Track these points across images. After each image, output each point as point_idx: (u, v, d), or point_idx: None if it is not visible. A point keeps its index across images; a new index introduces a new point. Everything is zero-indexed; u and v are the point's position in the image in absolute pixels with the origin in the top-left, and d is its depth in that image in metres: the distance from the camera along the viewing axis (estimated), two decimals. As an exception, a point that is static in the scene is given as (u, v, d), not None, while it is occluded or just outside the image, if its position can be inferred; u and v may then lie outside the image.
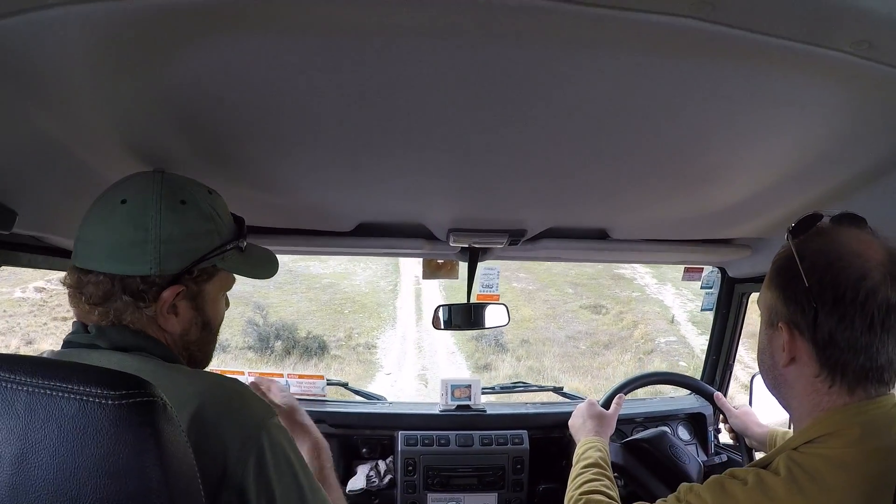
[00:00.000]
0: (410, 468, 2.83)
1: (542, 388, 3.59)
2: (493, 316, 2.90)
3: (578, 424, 2.21)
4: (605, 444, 2.02)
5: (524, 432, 2.92)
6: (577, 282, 27.73)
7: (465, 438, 2.87)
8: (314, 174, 1.65)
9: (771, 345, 1.26)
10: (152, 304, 1.25)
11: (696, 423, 3.11)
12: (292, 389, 3.10)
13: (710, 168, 1.57)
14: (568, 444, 2.90)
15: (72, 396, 0.85)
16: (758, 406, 2.51)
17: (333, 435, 2.92)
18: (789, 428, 2.21)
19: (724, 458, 2.87)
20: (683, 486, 1.30)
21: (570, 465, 2.06)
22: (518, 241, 2.31)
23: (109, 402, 0.84)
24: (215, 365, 1.47)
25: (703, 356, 3.28)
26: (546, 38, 0.99)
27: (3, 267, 1.72)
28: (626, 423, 3.02)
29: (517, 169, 1.59)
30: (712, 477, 1.24)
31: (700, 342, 20.52)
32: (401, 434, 2.88)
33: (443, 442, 2.86)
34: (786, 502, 1.09)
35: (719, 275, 3.12)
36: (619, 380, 2.68)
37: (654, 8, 0.88)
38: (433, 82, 1.13)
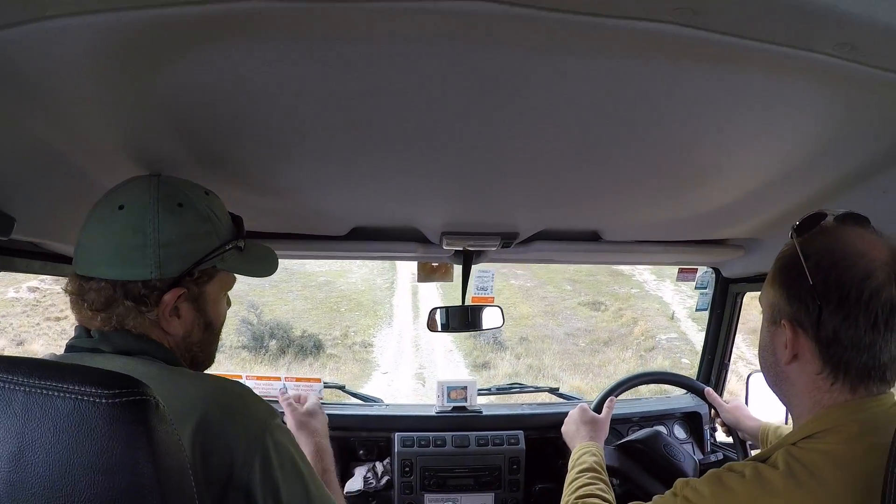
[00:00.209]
0: (407, 469, 2.85)
1: (538, 389, 3.63)
2: (488, 318, 2.91)
3: (572, 431, 2.23)
4: (600, 449, 2.04)
5: (520, 433, 2.94)
6: (576, 278, 27.51)
7: (461, 439, 2.90)
8: (308, 179, 1.69)
9: (773, 342, 1.27)
10: (154, 307, 1.26)
11: (693, 422, 3.13)
12: (290, 392, 3.12)
13: (700, 170, 1.60)
14: (564, 445, 2.97)
15: (67, 396, 0.87)
16: (754, 405, 2.54)
17: (331, 437, 2.91)
18: (786, 424, 2.26)
19: (721, 456, 2.89)
20: (679, 481, 1.31)
21: (566, 465, 2.09)
22: (511, 243, 2.34)
23: (103, 400, 0.86)
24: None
25: None
26: (532, 44, 1.01)
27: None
28: (622, 423, 3.04)
29: (508, 172, 1.61)
30: (710, 471, 1.25)
31: (701, 338, 19.51)
32: (397, 436, 2.90)
33: (439, 443, 2.89)
34: (783, 496, 1.09)
35: (713, 275, 3.14)
36: (619, 377, 2.69)
37: (636, 14, 0.90)
38: (423, 88, 1.16)
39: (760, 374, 2.61)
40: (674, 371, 3.15)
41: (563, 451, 2.62)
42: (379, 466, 2.96)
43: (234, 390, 1.23)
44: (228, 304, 1.50)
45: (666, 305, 24.69)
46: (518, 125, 1.31)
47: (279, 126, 1.34)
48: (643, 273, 27.58)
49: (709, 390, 2.53)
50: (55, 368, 0.93)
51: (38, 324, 20.06)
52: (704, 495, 1.20)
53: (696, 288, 3.22)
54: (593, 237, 2.40)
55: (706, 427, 3.04)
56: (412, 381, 18.62)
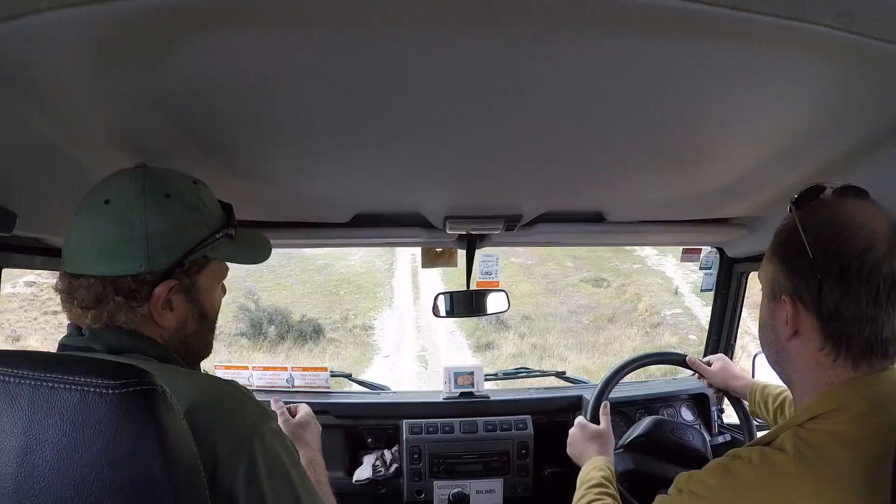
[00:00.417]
0: (416, 456, 2.88)
1: (544, 374, 3.63)
2: (494, 302, 2.92)
3: (579, 452, 2.17)
4: (608, 462, 2.01)
5: (528, 417, 2.97)
6: (577, 255, 27.26)
7: (469, 425, 2.92)
8: (308, 166, 1.69)
9: (774, 318, 1.26)
10: (145, 302, 1.26)
11: (699, 404, 3.14)
12: (296, 382, 3.16)
13: (702, 147, 1.60)
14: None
15: (73, 388, 0.88)
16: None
17: (338, 426, 2.98)
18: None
19: (728, 437, 2.92)
20: (681, 475, 1.30)
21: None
22: (514, 226, 2.35)
23: (110, 391, 0.87)
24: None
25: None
26: (531, 24, 1.01)
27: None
28: (629, 406, 3.07)
29: (511, 154, 1.61)
30: (713, 461, 1.24)
31: (706, 313, 19.27)
32: (405, 423, 2.93)
33: (447, 429, 2.92)
34: (796, 479, 1.08)
35: (718, 255, 3.14)
36: (625, 357, 2.68)
37: None
38: (422, 70, 1.16)
39: None
40: (682, 348, 3.13)
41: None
42: (387, 454, 2.99)
43: (225, 390, 1.22)
44: (224, 292, 1.50)
45: (669, 281, 24.51)
46: (519, 106, 1.31)
47: (278, 113, 1.35)
48: (644, 248, 27.37)
49: (690, 357, 2.53)
50: (60, 361, 0.96)
51: (34, 318, 19.95)
52: (712, 486, 1.20)
53: (700, 268, 3.25)
54: (597, 218, 2.40)
55: (713, 408, 3.05)
56: (415, 364, 18.47)
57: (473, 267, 2.74)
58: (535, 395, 3.19)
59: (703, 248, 3.19)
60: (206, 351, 1.46)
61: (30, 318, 19.90)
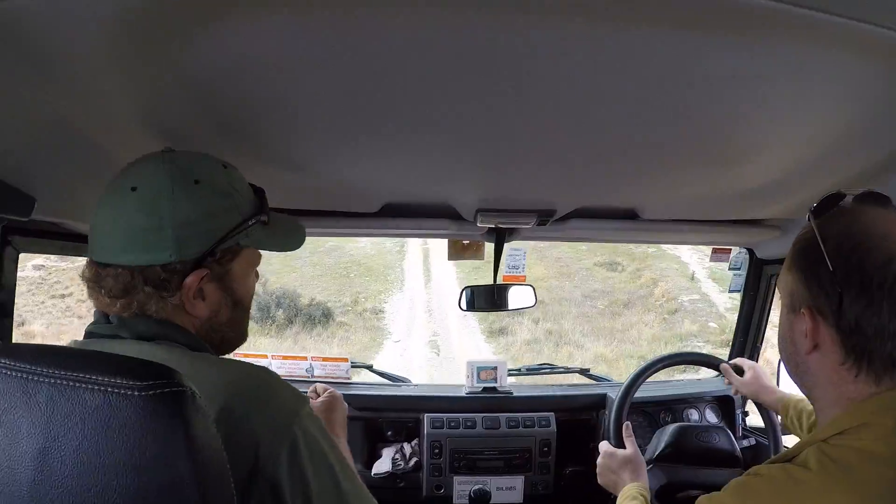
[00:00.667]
0: (436, 451, 2.90)
1: (568, 370, 3.65)
2: (520, 297, 2.94)
3: (612, 482, 2.13)
4: (643, 486, 1.98)
5: (551, 415, 2.98)
6: None
7: (491, 421, 2.94)
8: (339, 154, 1.67)
9: (793, 331, 1.22)
10: (176, 292, 1.22)
11: (724, 406, 3.14)
12: (316, 372, 3.20)
13: (742, 147, 1.58)
14: (595, 427, 3.00)
15: (95, 388, 0.85)
16: (786, 388, 2.46)
17: (358, 418, 2.98)
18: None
19: (753, 441, 2.92)
20: (701, 498, 1.25)
21: (597, 448, 2.17)
22: (547, 221, 2.34)
23: (135, 393, 0.84)
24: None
25: (728, 315, 3.29)
26: (569, 14, 1.00)
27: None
28: (653, 406, 3.08)
29: (547, 148, 1.60)
30: (733, 480, 1.21)
31: (723, 300, 20.11)
32: (426, 416, 2.94)
33: (469, 424, 2.93)
34: (820, 497, 1.04)
35: (747, 256, 3.13)
36: (648, 358, 2.65)
37: None
38: (458, 60, 1.14)
39: None
40: (703, 336, 3.11)
41: (594, 434, 2.67)
42: (407, 448, 3.01)
43: (260, 377, 1.19)
44: (256, 277, 1.46)
45: (684, 265, 24.37)
46: (556, 99, 1.30)
47: (305, 99, 1.33)
48: None
49: (724, 366, 2.51)
50: (82, 358, 0.92)
51: (42, 302, 20.09)
52: None
53: (729, 269, 3.21)
54: (630, 215, 2.40)
55: (738, 411, 3.05)
56: (426, 350, 18.38)
57: (501, 261, 2.74)
58: (558, 393, 3.20)
59: (732, 248, 3.17)
60: (241, 339, 1.43)
61: (37, 301, 20.01)
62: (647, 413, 3.06)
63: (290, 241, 1.49)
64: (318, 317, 20.80)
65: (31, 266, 20.71)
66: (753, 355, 3.18)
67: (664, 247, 26.27)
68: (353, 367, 3.26)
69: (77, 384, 0.86)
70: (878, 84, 1.21)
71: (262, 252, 1.41)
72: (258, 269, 1.46)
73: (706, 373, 3.37)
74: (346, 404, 1.91)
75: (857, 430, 1.09)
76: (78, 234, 1.87)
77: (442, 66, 1.17)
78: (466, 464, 2.92)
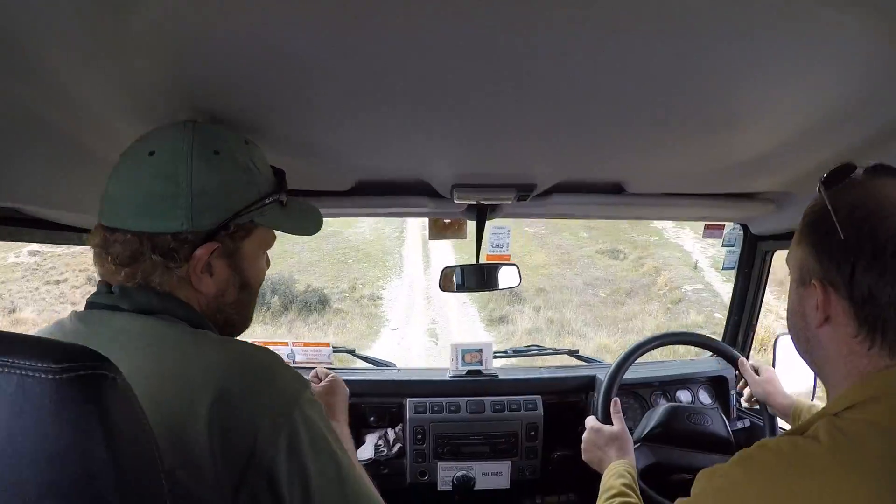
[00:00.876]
0: (419, 436, 2.87)
1: (557, 352, 3.60)
2: (504, 277, 2.87)
3: (598, 458, 2.13)
4: (629, 464, 1.99)
5: (538, 398, 2.95)
6: (592, 225, 27.35)
7: (476, 405, 2.90)
8: (305, 129, 1.62)
9: (803, 305, 1.21)
10: (184, 263, 1.23)
11: (718, 387, 3.11)
12: (298, 358, 3.18)
13: (732, 114, 1.51)
14: (584, 410, 2.96)
15: (11, 372, 0.80)
16: (782, 369, 2.51)
17: None
18: (812, 400, 2.22)
19: (747, 422, 2.89)
20: (703, 472, 1.22)
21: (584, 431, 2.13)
22: (527, 196, 2.28)
23: (50, 376, 0.79)
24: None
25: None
26: None
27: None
28: (645, 388, 3.05)
29: (524, 118, 1.53)
30: (739, 452, 1.17)
31: (727, 290, 19.37)
32: (409, 401, 2.92)
33: (453, 409, 2.90)
34: (830, 470, 1.01)
35: (741, 232, 3.09)
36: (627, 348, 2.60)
37: None
38: (428, 26, 1.09)
39: (788, 338, 2.60)
40: (708, 328, 3.05)
41: (583, 416, 2.63)
42: (391, 433, 2.98)
43: (261, 359, 1.16)
44: (267, 263, 1.47)
45: (687, 254, 24.57)
46: (533, 66, 1.23)
47: (271, 73, 1.27)
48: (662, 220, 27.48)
49: (742, 360, 2.47)
50: (3, 341, 0.85)
51: (36, 288, 20.29)
52: (738, 480, 1.12)
53: (723, 245, 3.18)
54: (616, 189, 2.35)
55: (732, 392, 3.02)
56: (424, 339, 18.37)
57: (483, 239, 2.68)
58: (546, 375, 3.16)
59: (726, 224, 3.14)
60: (245, 323, 1.42)
61: (31, 288, 20.22)
62: (638, 395, 3.04)
63: (306, 224, 1.49)
64: (314, 304, 20.83)
65: (26, 252, 20.96)
66: (748, 334, 3.17)
67: (666, 235, 26.43)
68: (334, 352, 3.24)
69: None
70: (879, 48, 1.16)
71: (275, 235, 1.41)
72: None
73: (701, 354, 3.31)
74: (347, 389, 1.91)
75: (868, 403, 1.07)
76: (40, 219, 1.83)
77: (411, 33, 1.11)
78: (451, 449, 2.89)
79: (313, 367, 3.02)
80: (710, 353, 3.06)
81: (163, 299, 1.22)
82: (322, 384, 1.86)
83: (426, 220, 2.96)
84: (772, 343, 2.72)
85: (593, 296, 22.27)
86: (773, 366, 2.59)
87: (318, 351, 3.20)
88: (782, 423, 2.38)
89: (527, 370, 3.29)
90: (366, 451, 2.91)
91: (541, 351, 3.59)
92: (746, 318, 3.16)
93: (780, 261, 1.60)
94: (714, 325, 18.16)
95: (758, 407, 2.48)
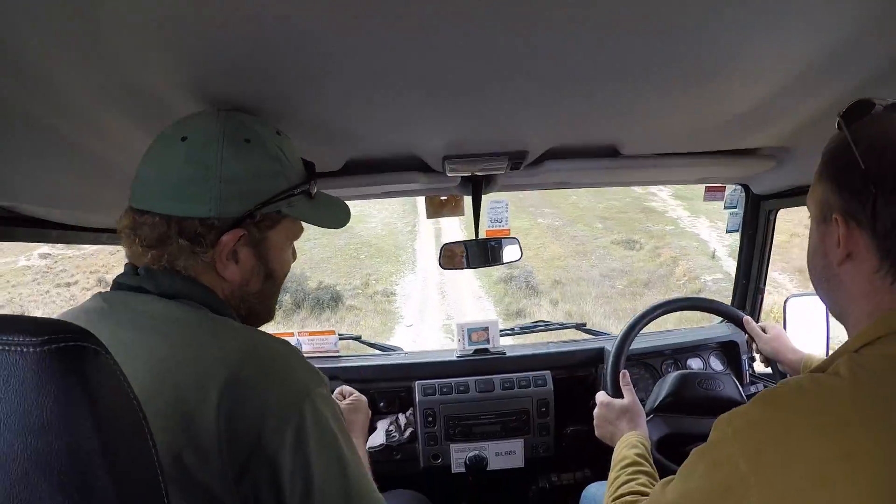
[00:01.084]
0: (430, 419, 2.89)
1: (563, 326, 3.60)
2: (505, 251, 2.87)
3: (609, 433, 2.13)
4: (642, 435, 1.98)
5: (547, 373, 2.96)
6: (606, 216, 27.28)
7: (485, 384, 2.92)
8: (295, 106, 1.61)
9: (824, 243, 1.21)
10: (210, 249, 1.25)
11: (729, 352, 3.10)
12: (304, 348, 3.18)
13: (723, 62, 1.48)
14: (594, 383, 2.97)
15: None
16: (793, 331, 2.52)
17: None
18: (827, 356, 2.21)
19: (760, 387, 2.86)
20: (721, 417, 1.19)
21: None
22: (520, 164, 2.28)
23: (30, 349, 0.79)
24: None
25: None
26: None
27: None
28: (656, 357, 3.05)
29: (511, 83, 1.52)
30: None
31: None
32: (417, 384, 2.93)
33: (462, 389, 2.91)
34: (851, 404, 1.00)
35: (743, 193, 3.09)
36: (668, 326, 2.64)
37: None
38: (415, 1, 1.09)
39: (797, 299, 2.56)
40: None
41: (593, 390, 2.62)
42: (402, 418, 2.99)
43: (277, 349, 1.19)
44: (294, 256, 1.49)
45: (704, 243, 24.40)
46: (514, 24, 1.21)
47: (265, 54, 1.27)
48: (676, 209, 27.19)
49: (747, 319, 2.48)
50: None
51: (47, 291, 20.37)
52: (758, 420, 1.09)
53: (725, 208, 3.16)
54: (610, 153, 2.33)
55: (744, 357, 3.00)
56: (440, 335, 18.14)
57: (481, 214, 2.69)
58: (554, 350, 3.16)
59: (727, 186, 3.11)
60: (268, 315, 1.45)
61: (41, 291, 20.30)
62: (648, 365, 3.03)
63: (333, 217, 1.50)
64: (326, 301, 20.72)
65: (37, 255, 21.07)
66: (756, 297, 3.16)
67: (682, 224, 26.29)
68: (341, 339, 3.25)
69: None
70: None
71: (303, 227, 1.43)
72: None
73: (712, 320, 3.32)
74: (370, 411, 1.96)
75: (889, 338, 1.06)
76: (30, 217, 1.83)
77: (398, 8, 1.12)
78: (462, 430, 2.90)
79: (321, 356, 3.03)
80: (721, 319, 3.07)
81: (187, 283, 1.24)
82: (347, 402, 1.92)
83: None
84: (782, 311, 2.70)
85: (610, 287, 22.11)
86: (784, 328, 2.57)
87: (325, 339, 3.20)
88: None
89: (535, 346, 3.28)
90: (376, 438, 2.92)
91: (548, 326, 3.57)
92: (754, 282, 3.15)
93: (785, 224, 1.59)
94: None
95: (770, 371, 2.49)
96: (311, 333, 3.22)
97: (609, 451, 1.97)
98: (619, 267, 23.83)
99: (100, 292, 1.26)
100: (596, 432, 2.17)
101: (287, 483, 1.09)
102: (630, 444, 1.90)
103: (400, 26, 1.19)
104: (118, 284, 1.26)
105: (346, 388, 2.00)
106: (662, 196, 28.51)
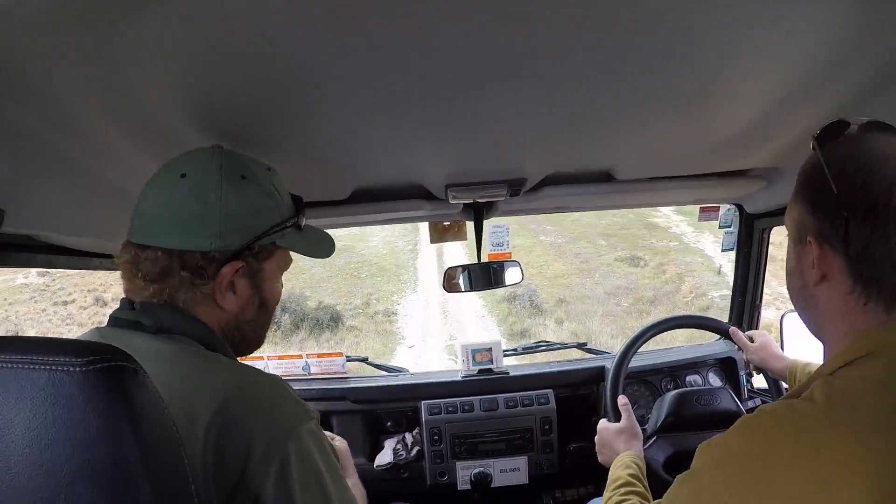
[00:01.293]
0: (436, 437, 2.97)
1: (565, 346, 3.68)
2: (507, 274, 2.97)
3: (608, 456, 2.15)
4: (636, 455, 2.02)
5: (550, 392, 3.04)
6: (609, 233, 26.76)
7: (489, 403, 3.00)
8: (301, 137, 1.67)
9: (800, 263, 1.22)
10: (210, 281, 1.29)
11: (727, 368, 3.17)
12: (312, 369, 3.28)
13: (711, 88, 1.53)
14: (595, 401, 3.05)
15: (41, 367, 0.87)
16: (790, 346, 2.59)
17: (357, 411, 3.08)
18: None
19: (758, 402, 2.91)
20: (701, 445, 1.20)
21: (598, 422, 2.20)
22: (519, 191, 2.34)
23: (76, 369, 0.86)
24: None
25: (763, 311, 3.27)
26: None
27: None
28: (655, 374, 3.12)
29: (509, 113, 1.58)
30: (738, 419, 1.16)
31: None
32: (424, 404, 3.02)
33: (467, 408, 2.99)
34: (827, 429, 1.01)
35: (737, 212, 3.15)
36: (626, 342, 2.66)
37: None
38: (414, 28, 1.13)
39: (794, 314, 2.61)
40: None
41: (595, 408, 2.71)
42: (409, 437, 3.09)
43: (265, 385, 1.22)
44: (281, 285, 1.53)
45: (709, 259, 23.91)
46: (512, 60, 1.28)
47: (266, 84, 1.33)
48: (680, 225, 26.58)
49: (733, 329, 2.55)
50: (30, 342, 0.93)
51: (43, 309, 20.19)
52: (735, 448, 1.12)
53: (720, 227, 3.23)
54: (606, 178, 2.40)
55: (742, 373, 3.07)
56: (443, 356, 17.75)
57: (483, 238, 2.75)
58: (556, 369, 3.24)
59: (721, 205, 3.19)
60: (259, 342, 1.50)
61: (38, 309, 20.12)
62: (648, 382, 3.11)
63: (321, 248, 1.58)
64: (325, 321, 20.34)
65: (35, 273, 20.77)
66: (753, 314, 3.22)
67: (686, 240, 25.88)
68: (348, 360, 3.33)
69: (24, 366, 0.89)
70: (842, 15, 1.22)
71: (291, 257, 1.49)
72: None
73: (709, 337, 3.40)
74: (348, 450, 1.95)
75: (864, 360, 1.08)
76: (54, 245, 1.87)
77: (400, 39, 1.17)
78: (467, 448, 2.98)
79: (329, 378, 3.11)
80: (719, 336, 3.16)
81: (183, 318, 1.29)
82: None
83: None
84: (778, 328, 2.75)
85: (616, 305, 21.63)
86: (781, 345, 2.64)
87: (332, 361, 3.28)
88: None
89: (537, 366, 3.36)
90: (385, 457, 3.00)
91: (549, 346, 3.65)
92: (751, 298, 3.20)
93: (780, 241, 1.65)
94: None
95: (758, 372, 2.56)
96: (320, 356, 3.29)
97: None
98: (624, 284, 23.36)
99: (97, 328, 1.30)
100: (599, 459, 2.21)
101: None
102: (624, 464, 1.97)
103: (404, 64, 1.26)
104: (115, 320, 1.31)
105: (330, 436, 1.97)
106: (665, 212, 28.10)
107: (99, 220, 1.60)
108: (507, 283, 2.98)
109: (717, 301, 20.49)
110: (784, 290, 1.30)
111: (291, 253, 1.50)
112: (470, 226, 2.79)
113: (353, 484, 1.71)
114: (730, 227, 3.24)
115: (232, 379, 1.18)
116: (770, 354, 2.42)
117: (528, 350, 3.65)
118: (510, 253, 3.37)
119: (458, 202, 2.41)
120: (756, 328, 3.18)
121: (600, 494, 2.29)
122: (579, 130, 1.77)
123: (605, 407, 2.49)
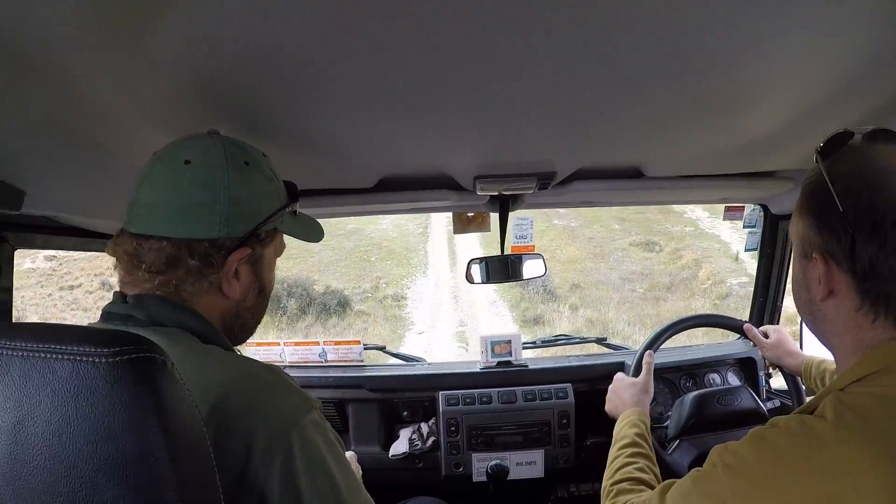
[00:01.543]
0: (453, 429, 3.01)
1: (584, 340, 3.71)
2: (530, 267, 3.01)
3: (615, 406, 2.24)
4: (643, 413, 2.07)
5: (568, 386, 3.08)
6: (624, 217, 26.52)
7: (507, 395, 3.04)
8: (330, 127, 1.68)
9: (806, 278, 1.23)
10: (219, 269, 1.30)
11: (746, 368, 3.19)
12: (329, 356, 3.32)
13: (745, 91, 1.54)
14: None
15: (65, 358, 0.87)
16: (810, 348, 2.56)
17: (373, 399, 3.12)
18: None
19: (777, 403, 2.96)
20: (716, 448, 1.22)
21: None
22: (548, 184, 2.36)
23: (103, 360, 0.86)
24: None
25: (784, 299, 3.27)
26: None
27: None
28: (674, 372, 3.14)
29: (543, 107, 1.58)
30: (751, 430, 1.17)
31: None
32: (442, 394, 3.06)
33: (485, 400, 3.03)
34: (835, 448, 1.01)
35: (762, 213, 3.17)
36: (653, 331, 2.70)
37: None
38: (446, 22, 1.13)
39: None
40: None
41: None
42: (424, 427, 3.13)
43: (264, 377, 1.21)
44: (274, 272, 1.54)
45: (726, 245, 23.70)
46: (547, 54, 1.27)
47: (297, 73, 1.32)
48: (696, 210, 26.20)
49: (748, 326, 2.60)
50: (54, 331, 0.93)
51: (49, 294, 20.24)
52: (748, 458, 1.12)
53: (744, 227, 3.26)
54: (635, 174, 2.44)
55: (761, 373, 3.09)
56: (453, 343, 17.58)
57: (507, 230, 2.79)
58: (575, 363, 3.27)
59: (746, 205, 3.22)
60: (254, 330, 1.51)
61: (45, 293, 20.18)
62: (667, 380, 3.13)
63: (313, 232, 1.61)
64: (333, 306, 20.08)
65: (42, 257, 20.85)
66: (774, 315, 3.25)
67: (702, 225, 25.58)
68: (365, 349, 3.36)
69: (48, 355, 0.89)
70: (877, 22, 1.22)
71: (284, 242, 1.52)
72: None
73: (729, 336, 3.42)
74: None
75: (875, 376, 1.09)
76: (73, 227, 1.93)
77: (429, 30, 1.16)
78: (484, 440, 3.02)
79: (346, 365, 3.15)
80: (738, 336, 3.19)
81: (177, 310, 1.28)
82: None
83: (450, 214, 3.11)
84: (798, 323, 2.75)
85: (631, 291, 21.49)
86: (801, 347, 2.64)
87: (350, 349, 3.32)
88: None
89: (556, 359, 3.39)
90: (400, 446, 3.05)
91: (569, 340, 3.71)
92: (772, 299, 3.23)
93: None
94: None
95: (774, 369, 2.62)
96: (337, 343, 3.34)
97: None
98: (639, 270, 23.19)
99: (91, 324, 1.29)
100: (605, 406, 2.32)
101: None
102: (631, 422, 2.01)
103: (432, 56, 1.27)
104: (107, 314, 1.30)
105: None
106: (679, 197, 27.91)
107: (116, 204, 1.60)
108: (529, 276, 3.01)
109: (736, 289, 20.31)
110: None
111: (285, 238, 1.52)
112: (494, 217, 2.81)
113: None
114: (754, 226, 3.27)
115: (228, 374, 1.17)
116: (785, 351, 2.47)
117: (547, 343, 3.68)
118: (533, 246, 3.41)
119: (486, 194, 2.43)
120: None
121: None
122: (613, 127, 1.80)
123: (632, 368, 2.55)
